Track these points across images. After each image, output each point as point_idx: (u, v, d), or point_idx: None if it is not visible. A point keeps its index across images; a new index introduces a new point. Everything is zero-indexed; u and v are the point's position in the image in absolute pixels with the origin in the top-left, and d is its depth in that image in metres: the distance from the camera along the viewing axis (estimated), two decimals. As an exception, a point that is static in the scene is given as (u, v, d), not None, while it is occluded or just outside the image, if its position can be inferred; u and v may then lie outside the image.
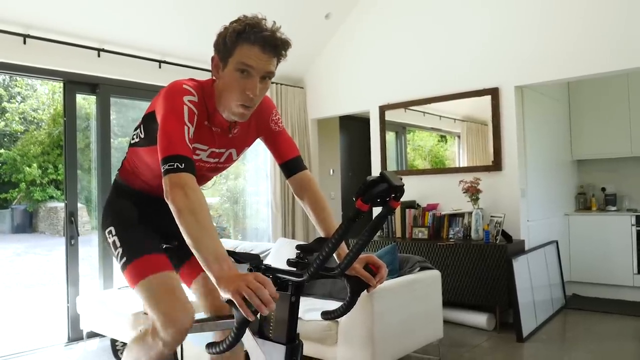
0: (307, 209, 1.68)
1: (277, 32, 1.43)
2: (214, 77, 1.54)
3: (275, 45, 1.43)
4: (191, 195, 1.30)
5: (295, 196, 1.72)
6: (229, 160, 1.72)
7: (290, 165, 1.69)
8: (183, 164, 1.34)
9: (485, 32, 4.60)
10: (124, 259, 1.62)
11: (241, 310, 1.14)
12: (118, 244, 1.67)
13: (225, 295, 1.17)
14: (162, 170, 1.34)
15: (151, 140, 1.56)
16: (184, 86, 1.49)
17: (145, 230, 1.73)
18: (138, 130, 1.67)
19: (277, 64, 1.49)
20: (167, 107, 1.44)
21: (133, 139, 1.70)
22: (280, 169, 1.72)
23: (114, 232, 1.70)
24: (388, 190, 1.20)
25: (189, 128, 1.42)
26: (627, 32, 3.88)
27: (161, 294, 1.52)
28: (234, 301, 1.15)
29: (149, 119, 1.58)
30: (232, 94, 1.47)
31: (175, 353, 1.88)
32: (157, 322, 1.49)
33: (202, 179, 1.76)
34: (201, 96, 1.51)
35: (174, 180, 1.32)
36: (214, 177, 1.85)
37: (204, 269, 1.24)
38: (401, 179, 1.22)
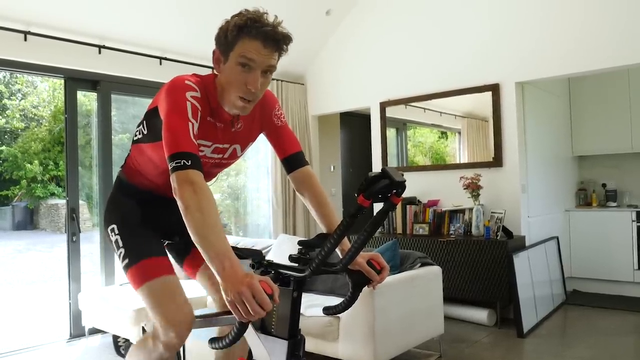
0: (308, 204, 1.69)
1: (278, 27, 1.44)
2: (215, 72, 1.55)
3: (276, 39, 1.43)
4: (199, 192, 1.31)
5: (296, 192, 1.72)
6: (233, 156, 1.72)
7: (292, 161, 1.69)
8: (190, 161, 1.34)
9: (486, 28, 4.59)
10: (126, 261, 1.66)
11: (236, 318, 1.19)
12: (120, 244, 1.69)
13: (225, 296, 1.19)
14: (170, 168, 1.35)
15: (155, 136, 1.56)
16: (186, 82, 1.49)
17: (147, 230, 1.74)
18: (141, 127, 1.67)
19: (279, 59, 1.49)
20: (170, 103, 1.44)
21: (136, 135, 1.70)
22: (282, 164, 1.72)
23: (116, 231, 1.71)
24: (390, 186, 1.20)
25: (193, 124, 1.42)
26: (628, 28, 3.87)
27: (161, 298, 1.58)
28: (231, 310, 1.18)
29: (151, 116, 1.58)
30: (233, 88, 1.47)
31: (178, 352, 1.89)
32: (159, 326, 1.56)
33: (207, 176, 1.76)
34: (203, 92, 1.51)
35: (182, 178, 1.32)
36: (218, 174, 1.85)
37: (209, 265, 1.25)
38: (402, 175, 1.22)
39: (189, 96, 1.45)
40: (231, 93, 1.48)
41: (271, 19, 1.44)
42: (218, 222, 1.29)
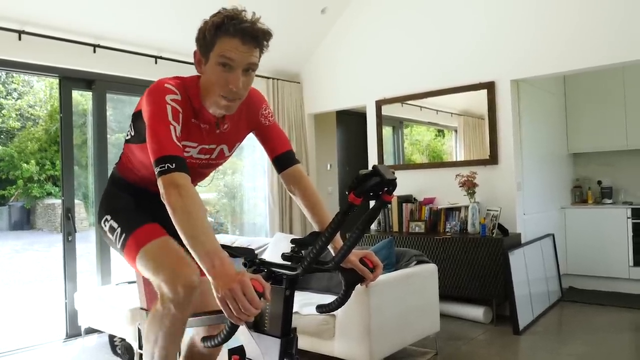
0: (299, 203, 1.68)
1: (257, 23, 1.43)
2: (198, 73, 1.54)
3: (255, 36, 1.42)
4: (185, 195, 1.31)
5: (288, 191, 1.72)
6: (221, 157, 1.72)
7: (282, 160, 1.68)
8: (174, 164, 1.35)
9: (481, 26, 4.59)
10: (123, 235, 1.62)
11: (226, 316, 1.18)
12: (115, 225, 1.67)
13: (215, 293, 1.18)
14: (155, 173, 1.36)
15: (140, 138, 1.58)
16: (166, 85, 1.49)
17: (138, 205, 1.72)
18: (130, 128, 1.68)
19: (260, 55, 1.49)
20: (151, 108, 1.45)
21: (127, 135, 1.72)
22: (272, 163, 1.71)
23: (109, 219, 1.70)
24: (380, 183, 1.20)
25: (175, 127, 1.42)
26: (623, 25, 3.88)
27: (160, 256, 1.52)
28: (221, 307, 1.18)
29: (136, 119, 1.60)
30: (215, 88, 1.47)
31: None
32: (164, 284, 1.46)
33: (197, 176, 1.76)
34: (184, 94, 1.51)
35: (168, 181, 1.33)
36: (211, 174, 1.85)
37: (199, 265, 1.25)
38: (393, 173, 1.23)
39: (169, 99, 1.45)
40: (214, 94, 1.48)
41: (249, 15, 1.42)
42: (206, 222, 1.30)
